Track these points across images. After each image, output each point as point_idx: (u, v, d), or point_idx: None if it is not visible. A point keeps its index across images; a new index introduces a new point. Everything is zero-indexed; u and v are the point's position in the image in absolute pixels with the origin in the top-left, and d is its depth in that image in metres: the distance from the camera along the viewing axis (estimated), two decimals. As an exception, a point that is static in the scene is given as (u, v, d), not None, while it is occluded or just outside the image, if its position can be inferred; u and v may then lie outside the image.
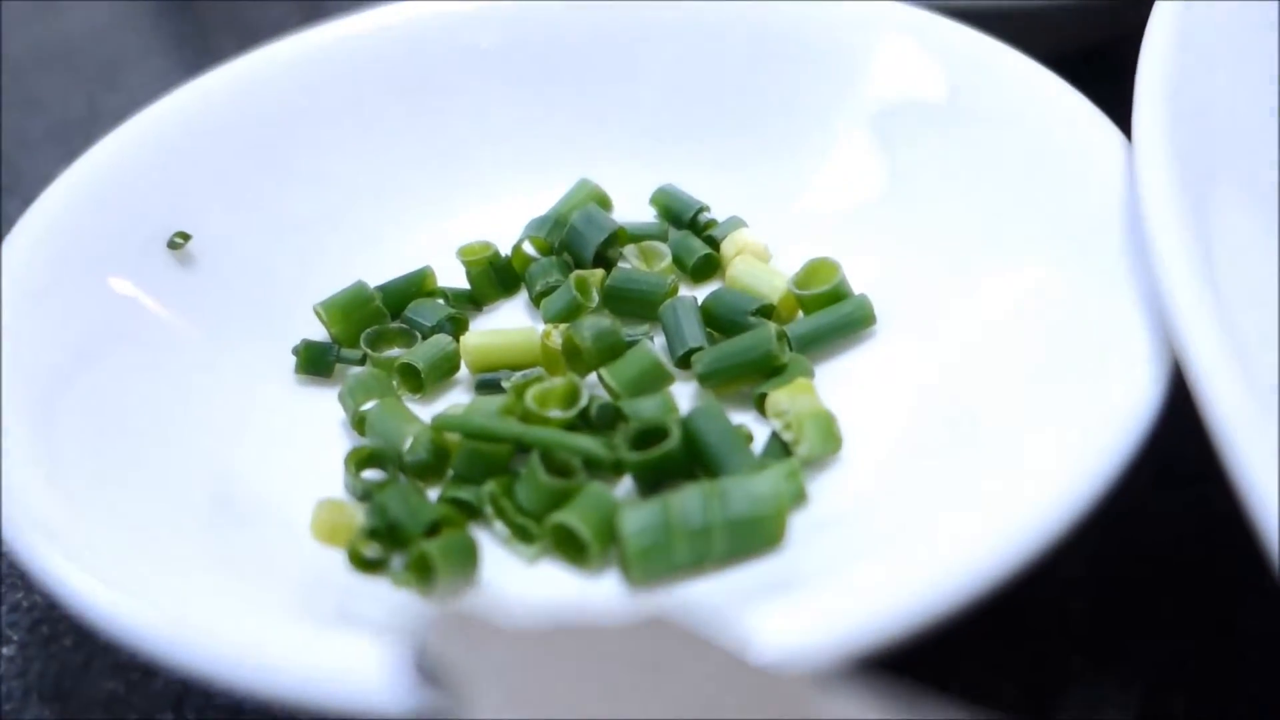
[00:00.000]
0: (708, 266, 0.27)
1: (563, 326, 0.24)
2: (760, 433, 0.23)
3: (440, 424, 0.22)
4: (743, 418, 0.23)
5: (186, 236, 0.25)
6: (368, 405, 0.23)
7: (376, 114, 0.28)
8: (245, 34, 0.43)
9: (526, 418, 0.22)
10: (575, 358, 0.24)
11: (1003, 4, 0.29)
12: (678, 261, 0.27)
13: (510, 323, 0.26)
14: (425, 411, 0.24)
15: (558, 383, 0.23)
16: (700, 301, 0.25)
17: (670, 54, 0.29)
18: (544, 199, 0.28)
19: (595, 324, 0.24)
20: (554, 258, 0.27)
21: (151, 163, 0.25)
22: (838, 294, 0.25)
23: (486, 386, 0.24)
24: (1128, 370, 0.19)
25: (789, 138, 0.28)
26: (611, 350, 0.24)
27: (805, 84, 0.28)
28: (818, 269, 0.25)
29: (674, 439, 0.21)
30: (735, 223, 0.27)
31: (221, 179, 0.26)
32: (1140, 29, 0.23)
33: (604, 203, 0.28)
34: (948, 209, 0.25)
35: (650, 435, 0.22)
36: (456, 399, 0.25)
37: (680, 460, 0.22)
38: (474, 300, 0.27)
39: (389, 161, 0.28)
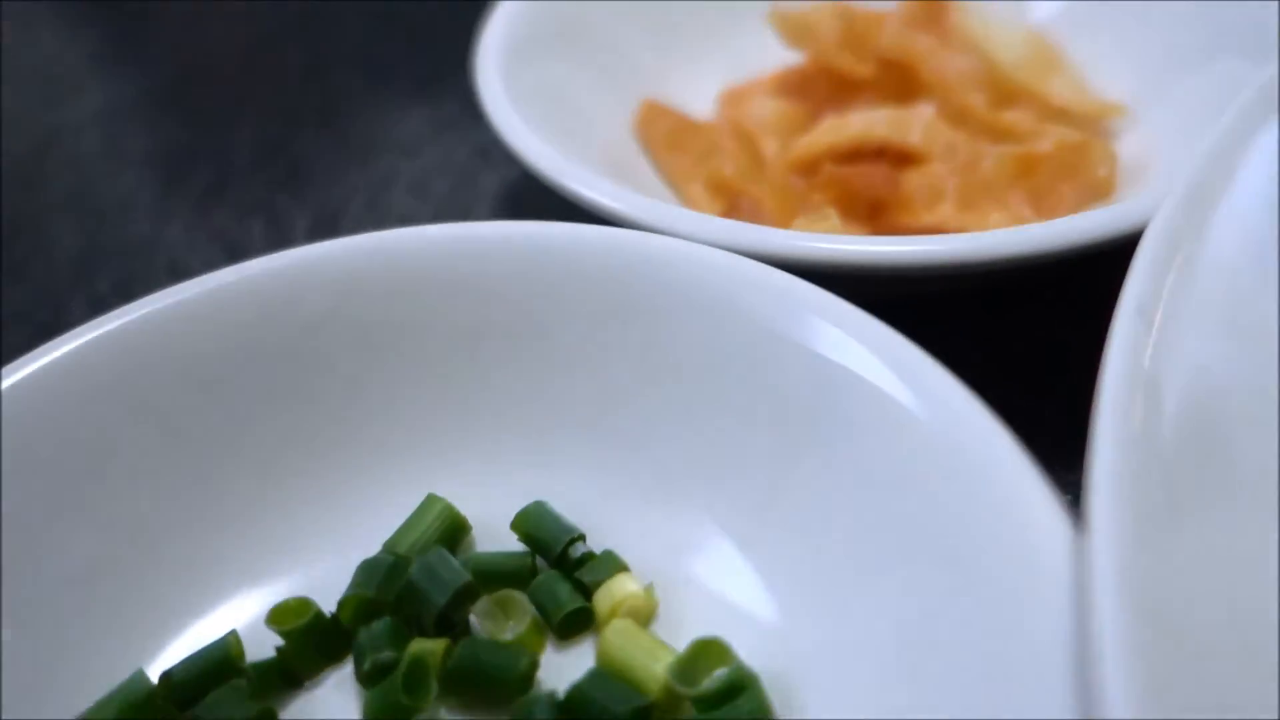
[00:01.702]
0: (579, 621, 0.22)
1: (386, 744, 0.19)
2: None
3: None
4: None
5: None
6: None
7: (157, 420, 0.23)
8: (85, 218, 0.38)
9: None
10: (398, 796, 0.19)
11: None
12: (544, 614, 0.22)
13: (335, 708, 0.21)
14: None
15: None
16: (564, 692, 0.20)
17: (542, 328, 0.24)
18: (386, 521, 0.23)
19: (420, 761, 0.19)
20: (390, 619, 0.22)
21: None
22: (731, 687, 0.20)
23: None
24: None
25: (685, 439, 0.23)
26: (442, 791, 0.19)
27: (708, 378, 0.23)
28: (706, 650, 0.20)
29: None
30: (613, 563, 0.22)
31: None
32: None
33: (459, 526, 0.23)
34: (856, 573, 0.20)
35: None
36: (255, 839, 0.20)
37: None
38: (290, 676, 0.22)
39: (174, 489, 0.22)
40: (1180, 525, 0.17)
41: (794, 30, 0.34)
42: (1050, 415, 0.27)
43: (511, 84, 0.31)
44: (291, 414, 0.23)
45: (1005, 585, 0.17)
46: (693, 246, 0.23)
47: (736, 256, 0.23)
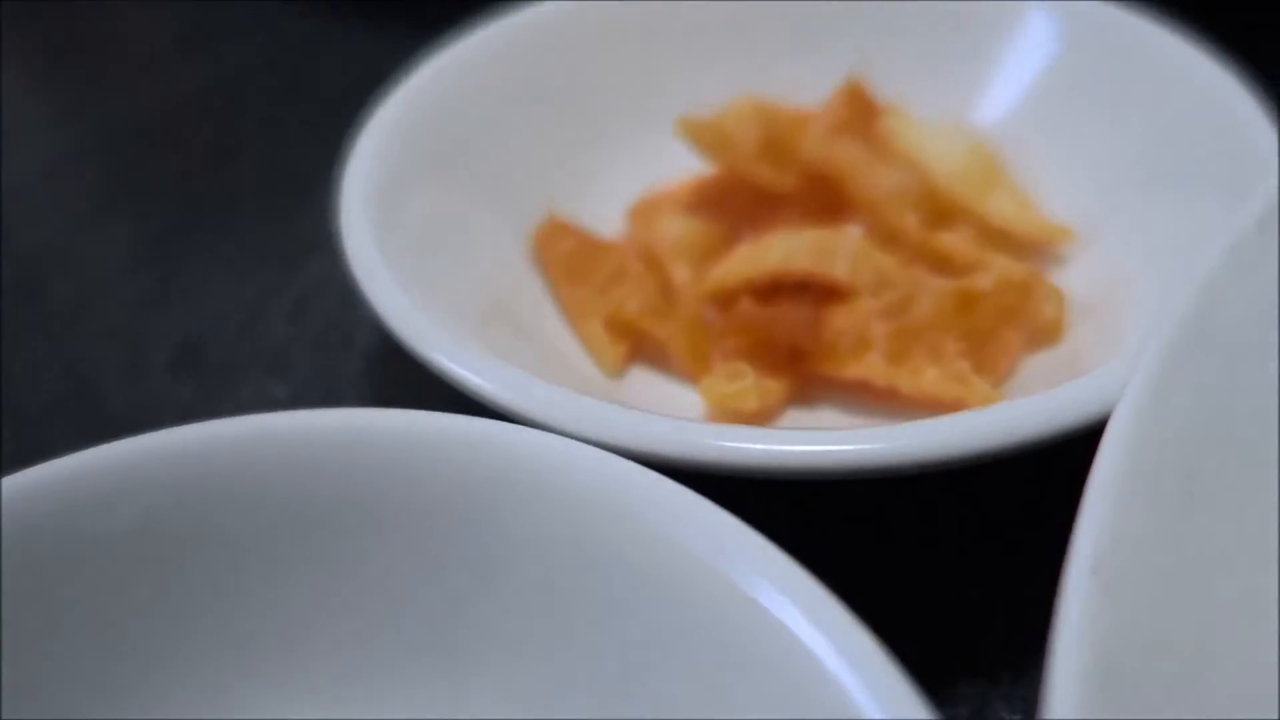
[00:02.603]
0: None
1: None
2: None
3: None
4: None
5: None
6: None
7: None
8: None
9: None
10: None
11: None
12: None
13: None
14: None
15: None
16: None
17: (389, 545, 0.20)
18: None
19: None
20: None
21: None
22: None
23: None
24: None
25: (548, 687, 0.19)
26: None
27: (575, 612, 0.19)
28: None
29: None
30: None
31: None
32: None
33: (288, 792, 0.19)
34: None
35: None
36: None
37: None
38: None
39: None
40: None
41: (708, 140, 0.30)
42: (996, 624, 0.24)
43: (382, 216, 0.27)
44: (75, 655, 0.20)
45: None
46: (565, 448, 0.20)
47: (622, 463, 0.19)
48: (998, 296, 0.26)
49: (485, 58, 0.32)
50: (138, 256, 0.36)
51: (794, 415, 0.27)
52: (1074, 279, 0.28)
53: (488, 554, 0.19)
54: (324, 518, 0.20)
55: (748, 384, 0.25)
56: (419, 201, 0.29)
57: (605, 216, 0.32)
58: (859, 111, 0.32)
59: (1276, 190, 0.19)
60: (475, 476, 0.20)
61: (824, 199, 0.30)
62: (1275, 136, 0.27)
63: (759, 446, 0.20)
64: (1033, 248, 0.29)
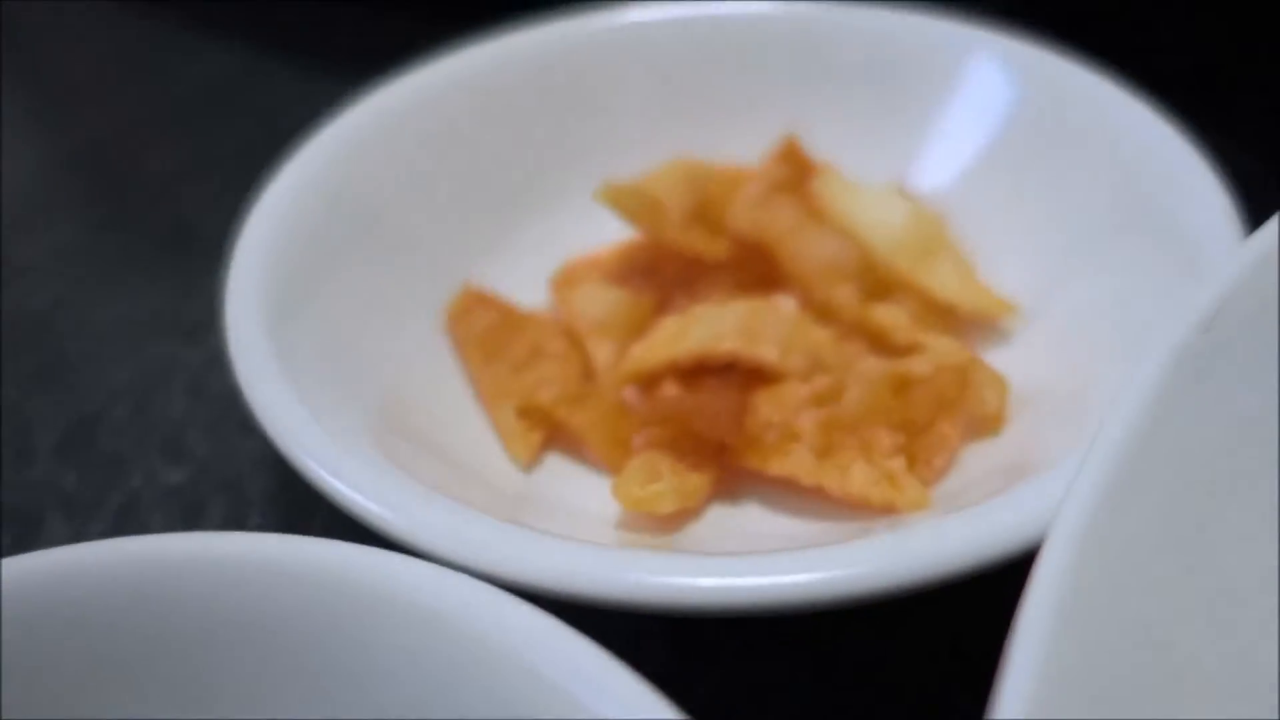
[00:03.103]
0: None
1: None
2: None
3: None
4: None
5: None
6: None
7: None
8: None
9: None
10: None
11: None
12: None
13: None
14: None
15: None
16: None
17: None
18: None
19: None
20: None
21: None
22: None
23: None
24: None
25: None
26: None
27: None
28: None
29: None
30: None
31: None
32: None
33: None
34: None
35: None
36: None
37: None
38: None
39: None
40: None
41: (633, 208, 0.28)
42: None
43: (274, 294, 0.25)
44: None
45: None
46: (421, 574, 0.17)
47: (489, 593, 0.17)
48: (935, 383, 0.25)
49: (399, 113, 0.30)
50: (27, 326, 0.33)
51: (717, 510, 0.25)
52: (1019, 357, 0.26)
53: (339, 688, 0.17)
54: (156, 654, 0.18)
55: (663, 487, 0.23)
56: (320, 275, 0.26)
57: (530, 284, 0.30)
58: (796, 172, 0.30)
59: (1221, 291, 0.17)
60: (330, 611, 0.17)
61: (757, 267, 0.29)
62: (1228, 203, 0.25)
63: (641, 579, 0.18)
64: (975, 322, 0.27)
